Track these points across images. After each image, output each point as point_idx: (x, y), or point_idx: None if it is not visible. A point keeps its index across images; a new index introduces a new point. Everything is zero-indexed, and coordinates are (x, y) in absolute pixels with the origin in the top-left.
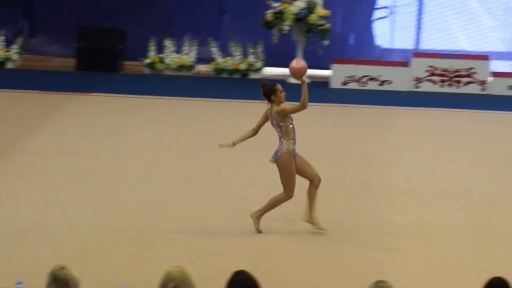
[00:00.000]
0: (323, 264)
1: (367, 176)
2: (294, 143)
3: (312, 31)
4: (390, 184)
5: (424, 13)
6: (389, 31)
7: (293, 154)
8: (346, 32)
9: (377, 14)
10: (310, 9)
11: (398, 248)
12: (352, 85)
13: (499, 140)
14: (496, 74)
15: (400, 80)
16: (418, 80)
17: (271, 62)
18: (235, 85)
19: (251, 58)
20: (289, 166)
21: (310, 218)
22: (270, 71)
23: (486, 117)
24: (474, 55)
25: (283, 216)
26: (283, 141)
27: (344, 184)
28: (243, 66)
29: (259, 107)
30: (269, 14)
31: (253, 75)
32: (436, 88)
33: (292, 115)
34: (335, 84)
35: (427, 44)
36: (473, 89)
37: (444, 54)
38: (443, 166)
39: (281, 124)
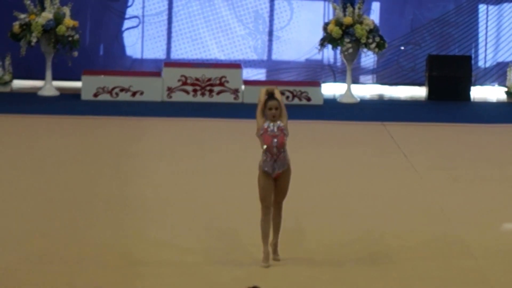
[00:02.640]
0: None
1: (122, 189)
2: (270, 158)
3: (61, 43)
4: (147, 197)
5: (174, 22)
6: (139, 41)
7: (264, 169)
8: (95, 43)
9: (126, 24)
10: (58, 20)
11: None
12: (104, 97)
13: (252, 148)
14: (248, 83)
15: (152, 90)
16: (171, 90)
17: (20, 74)
18: None
19: None
20: (261, 180)
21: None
22: (20, 84)
23: (239, 125)
24: (226, 63)
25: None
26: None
27: (99, 198)
28: None
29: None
30: (16, 26)
31: (2, 89)
32: (189, 98)
33: (266, 128)
34: (86, 96)
35: (178, 53)
36: (226, 97)
37: (195, 63)
38: (200, 176)
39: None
